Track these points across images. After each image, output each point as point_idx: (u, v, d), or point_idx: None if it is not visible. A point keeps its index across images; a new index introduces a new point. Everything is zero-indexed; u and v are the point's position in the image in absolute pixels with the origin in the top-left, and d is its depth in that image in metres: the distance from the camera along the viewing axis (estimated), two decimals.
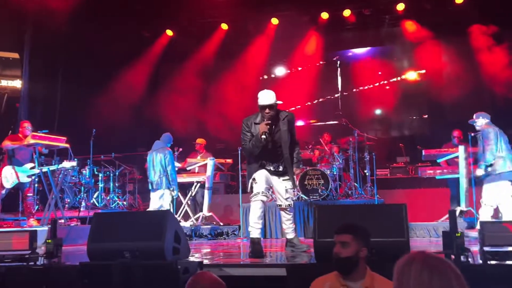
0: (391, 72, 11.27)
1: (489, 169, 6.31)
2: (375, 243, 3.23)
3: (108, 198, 9.55)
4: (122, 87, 10.38)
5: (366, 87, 11.19)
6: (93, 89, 9.85)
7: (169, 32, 11.44)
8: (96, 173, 9.53)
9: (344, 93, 11.18)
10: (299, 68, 11.58)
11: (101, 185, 9.61)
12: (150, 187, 7.56)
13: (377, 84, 11.18)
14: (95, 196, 9.50)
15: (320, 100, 11.44)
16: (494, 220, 5.17)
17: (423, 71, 10.88)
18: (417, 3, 10.04)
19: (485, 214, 6.16)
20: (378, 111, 11.57)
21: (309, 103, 11.39)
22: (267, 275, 3.85)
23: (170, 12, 10.29)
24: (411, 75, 11.15)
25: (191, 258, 4.52)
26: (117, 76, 10.47)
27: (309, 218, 7.50)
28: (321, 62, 11.44)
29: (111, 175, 9.65)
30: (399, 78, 11.19)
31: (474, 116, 6.62)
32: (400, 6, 10.18)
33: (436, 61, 10.39)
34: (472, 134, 6.99)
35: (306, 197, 7.96)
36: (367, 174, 8.78)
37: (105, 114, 9.68)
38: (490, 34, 9.39)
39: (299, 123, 11.19)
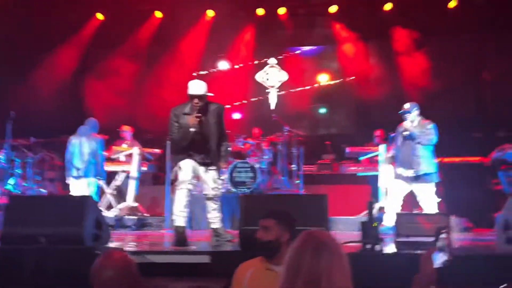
0: (321, 72, 11.56)
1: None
2: (297, 232, 3.32)
3: (25, 184, 9.01)
4: (47, 72, 9.85)
5: (299, 89, 11.40)
6: (13, 73, 9.27)
7: (99, 16, 10.99)
8: (13, 158, 8.95)
9: (279, 94, 11.31)
10: (236, 66, 11.57)
11: (18, 171, 9.04)
12: (73, 174, 7.25)
13: (309, 86, 11.42)
14: (11, 182, 8.92)
15: (254, 99, 11.50)
16: (407, 212, 5.52)
17: (353, 77, 11.26)
18: (350, 6, 10.39)
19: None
20: (307, 110, 11.84)
21: (245, 101, 11.42)
22: (191, 262, 3.84)
23: None
24: (340, 76, 11.50)
25: (113, 246, 4.40)
26: (41, 61, 9.91)
27: (236, 210, 7.53)
28: (256, 62, 11.50)
29: (30, 161, 9.11)
30: (327, 80, 11.50)
31: (407, 105, 6.49)
32: (333, 8, 10.50)
33: (363, 64, 10.82)
34: (392, 135, 7.37)
35: (234, 190, 8.00)
36: (294, 169, 8.99)
37: (26, 98, 9.16)
38: (411, 38, 9.98)
39: (236, 116, 11.23)
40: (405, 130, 6.28)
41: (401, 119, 6.58)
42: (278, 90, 11.26)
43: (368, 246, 3.72)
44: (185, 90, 5.19)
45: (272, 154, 8.90)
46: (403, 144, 6.34)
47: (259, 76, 11.34)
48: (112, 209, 8.05)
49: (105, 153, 8.22)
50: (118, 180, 8.32)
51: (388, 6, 10.16)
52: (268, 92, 11.26)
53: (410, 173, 6.18)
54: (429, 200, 6.17)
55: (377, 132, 8.16)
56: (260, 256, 2.90)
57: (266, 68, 11.35)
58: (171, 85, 10.16)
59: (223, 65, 11.61)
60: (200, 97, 4.94)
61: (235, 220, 7.51)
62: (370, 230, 3.75)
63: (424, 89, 9.83)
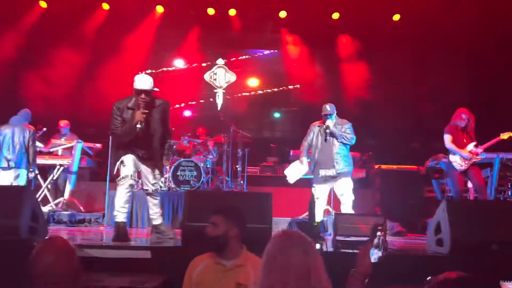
0: (269, 77, 11.68)
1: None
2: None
3: None
4: None
5: (244, 93, 11.47)
6: None
7: (42, 4, 10.52)
8: None
9: (227, 97, 11.32)
10: (184, 66, 11.46)
11: None
12: (2, 165, 6.90)
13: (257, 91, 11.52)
14: None
15: (202, 101, 11.44)
16: (344, 213, 5.67)
17: (297, 85, 11.47)
18: (298, 13, 10.58)
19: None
20: (254, 112, 11.93)
21: (193, 102, 11.33)
22: (131, 257, 3.76)
23: None
24: (284, 82, 11.67)
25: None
26: None
27: (178, 209, 7.48)
28: (203, 64, 11.45)
29: None
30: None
31: (328, 107, 6.44)
32: (282, 14, 10.67)
33: (308, 69, 11.05)
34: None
35: (177, 188, 7.93)
36: (239, 169, 9.04)
37: None
38: (355, 49, 10.37)
39: (187, 113, 11.13)
40: (328, 128, 6.28)
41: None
42: (224, 91, 11.30)
43: None
44: (128, 86, 5.09)
45: (217, 154, 8.90)
46: (322, 144, 6.36)
47: (208, 76, 11.32)
48: (48, 205, 7.74)
49: (41, 145, 7.91)
50: (56, 174, 8.01)
51: (335, 15, 10.46)
52: (216, 93, 11.28)
53: (332, 172, 6.22)
54: (349, 196, 6.24)
55: None
56: (209, 251, 2.93)
57: (214, 68, 11.36)
58: (115, 80, 9.90)
59: (178, 63, 11.48)
60: (146, 92, 4.85)
61: (176, 218, 7.46)
62: (311, 229, 3.85)
63: (364, 98, 10.25)
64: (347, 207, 6.15)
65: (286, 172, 7.07)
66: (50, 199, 7.86)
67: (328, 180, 6.31)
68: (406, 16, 10.13)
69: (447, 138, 6.74)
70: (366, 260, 2.32)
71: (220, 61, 11.44)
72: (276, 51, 11.65)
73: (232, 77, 11.38)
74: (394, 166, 8.91)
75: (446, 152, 7.04)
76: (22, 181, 6.89)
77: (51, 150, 8.25)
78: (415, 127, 10.86)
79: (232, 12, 10.78)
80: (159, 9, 10.74)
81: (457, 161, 6.66)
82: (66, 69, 10.18)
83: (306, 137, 6.61)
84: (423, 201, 8.31)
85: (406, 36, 10.09)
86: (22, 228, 3.50)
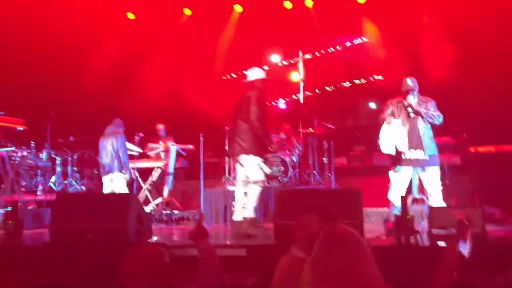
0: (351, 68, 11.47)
1: None
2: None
3: (65, 182, 9.39)
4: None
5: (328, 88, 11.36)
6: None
7: (130, 16, 11.20)
8: (54, 156, 9.34)
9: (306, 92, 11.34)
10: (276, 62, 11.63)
11: (58, 169, 9.43)
12: (101, 171, 7.53)
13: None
14: (52, 180, 9.32)
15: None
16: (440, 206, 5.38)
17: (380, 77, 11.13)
18: None
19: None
20: (337, 102, 11.81)
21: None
22: (227, 255, 3.97)
23: None
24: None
25: (155, 240, 4.59)
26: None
27: (268, 203, 7.67)
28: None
29: (69, 158, 9.48)
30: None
31: (409, 82, 5.75)
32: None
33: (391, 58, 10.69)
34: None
35: (266, 184, 8.12)
36: (325, 162, 9.04)
37: (65, 97, 9.55)
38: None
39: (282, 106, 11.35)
40: (410, 105, 5.62)
41: None
42: (304, 83, 11.30)
43: (403, 239, 3.78)
44: (222, 88, 5.36)
45: (302, 147, 8.96)
46: (406, 122, 5.69)
47: (291, 69, 11.41)
48: (149, 205, 8.31)
49: (140, 149, 8.50)
50: (154, 176, 8.57)
51: None
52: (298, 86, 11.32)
53: (420, 154, 5.57)
54: (438, 186, 5.63)
55: None
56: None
57: (296, 60, 11.39)
58: (206, 84, 10.34)
59: (274, 58, 11.71)
60: None
61: (267, 214, 7.67)
62: (404, 223, 3.80)
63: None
64: (436, 199, 5.57)
65: (382, 148, 5.94)
66: (151, 199, 8.43)
67: (414, 163, 5.62)
68: None
69: None
70: (454, 254, 2.27)
71: (300, 53, 11.44)
72: (358, 40, 11.36)
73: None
74: (492, 148, 8.40)
75: None
76: (117, 184, 7.43)
77: (149, 153, 8.85)
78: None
79: (309, 3, 10.78)
80: (238, 8, 11.01)
81: None
82: (157, 75, 10.80)
83: (382, 115, 5.90)
84: None
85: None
86: (130, 231, 3.85)
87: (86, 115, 9.93)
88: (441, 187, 5.66)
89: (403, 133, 5.63)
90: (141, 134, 8.62)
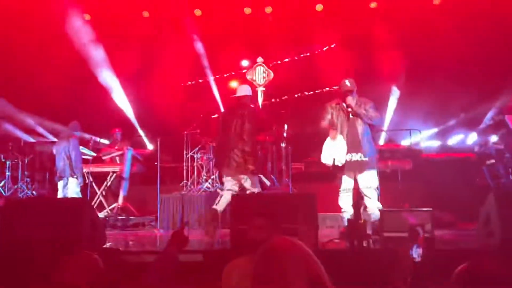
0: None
1: None
2: (288, 229, 3.47)
3: (16, 186, 9.04)
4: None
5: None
6: None
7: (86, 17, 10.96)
8: (3, 160, 8.98)
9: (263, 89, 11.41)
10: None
11: (8, 173, 9.07)
12: (56, 175, 7.35)
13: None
14: (1, 184, 8.95)
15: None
16: (391, 209, 5.49)
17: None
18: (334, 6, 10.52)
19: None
20: (296, 108, 11.94)
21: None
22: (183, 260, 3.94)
23: None
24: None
25: (109, 246, 4.49)
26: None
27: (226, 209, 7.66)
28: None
29: (20, 163, 9.14)
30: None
31: (348, 83, 5.74)
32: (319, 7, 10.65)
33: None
34: (379, 132, 7.58)
35: (223, 188, 8.12)
36: (283, 167, 9.12)
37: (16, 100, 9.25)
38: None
39: None
40: (349, 106, 5.52)
41: None
42: (264, 89, 11.37)
43: (355, 242, 3.87)
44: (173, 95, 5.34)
45: (261, 153, 8.99)
46: (345, 125, 5.62)
47: (249, 75, 11.44)
48: (103, 210, 8.13)
49: (93, 154, 8.31)
50: (109, 181, 8.39)
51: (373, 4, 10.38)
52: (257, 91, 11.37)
53: (359, 156, 5.49)
54: (374, 189, 5.51)
55: None
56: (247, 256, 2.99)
57: (255, 66, 11.45)
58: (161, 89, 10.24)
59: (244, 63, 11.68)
60: None
61: (225, 219, 7.66)
62: (357, 227, 3.89)
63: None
64: (372, 202, 5.43)
65: (323, 158, 6.01)
66: (105, 204, 8.25)
67: (354, 166, 5.55)
68: None
69: (511, 120, 6.51)
70: (407, 259, 2.34)
71: (260, 59, 11.50)
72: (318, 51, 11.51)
73: (270, 74, 11.42)
74: (443, 155, 8.74)
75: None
76: (71, 189, 7.26)
77: (104, 158, 8.66)
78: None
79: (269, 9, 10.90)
80: (197, 12, 10.98)
81: None
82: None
83: (321, 120, 5.85)
84: (475, 189, 8.10)
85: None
86: (82, 238, 3.75)
87: (39, 118, 9.64)
88: (378, 190, 5.58)
89: (343, 146, 5.57)
90: (96, 138, 8.43)
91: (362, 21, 10.44)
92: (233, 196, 4.24)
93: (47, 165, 9.60)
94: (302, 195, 4.73)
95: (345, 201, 5.58)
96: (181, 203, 7.89)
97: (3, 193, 8.85)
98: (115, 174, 8.39)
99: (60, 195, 7.24)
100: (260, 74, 11.39)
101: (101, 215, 7.79)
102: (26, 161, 9.27)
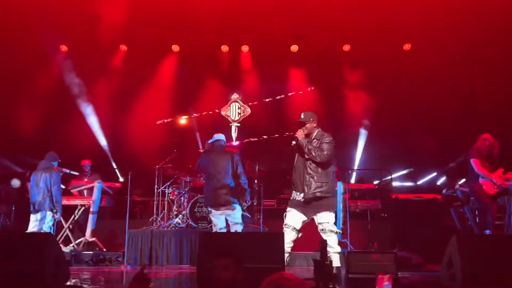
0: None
1: None
2: (254, 269, 3.47)
3: None
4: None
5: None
6: None
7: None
8: None
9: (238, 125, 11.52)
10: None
11: None
12: (31, 208, 7.13)
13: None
14: None
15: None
16: (357, 250, 5.52)
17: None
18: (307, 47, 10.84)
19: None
20: (269, 146, 12.07)
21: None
22: None
23: None
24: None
25: (70, 283, 4.39)
26: None
27: (196, 246, 7.60)
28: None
29: None
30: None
31: (302, 115, 5.40)
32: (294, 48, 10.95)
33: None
34: (349, 171, 7.72)
35: (195, 225, 8.06)
36: (255, 203, 9.14)
37: None
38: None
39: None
40: (296, 139, 5.18)
41: None
42: (239, 125, 11.49)
43: (322, 284, 3.88)
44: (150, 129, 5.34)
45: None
46: (297, 160, 5.30)
47: (223, 111, 11.56)
48: (69, 244, 7.94)
49: (63, 186, 8.16)
50: (77, 214, 8.23)
51: (346, 47, 10.74)
52: (231, 127, 11.48)
53: (300, 196, 5.11)
54: (329, 232, 5.01)
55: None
56: None
57: (229, 103, 11.59)
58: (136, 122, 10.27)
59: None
60: None
61: (194, 255, 7.59)
62: (323, 268, 3.92)
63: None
64: (330, 247, 4.83)
65: None
66: (72, 239, 8.06)
67: (299, 205, 5.12)
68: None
69: (476, 163, 6.71)
70: None
71: (235, 96, 11.66)
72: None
73: (246, 110, 11.58)
74: (412, 195, 8.91)
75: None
76: (47, 222, 7.08)
77: (73, 190, 8.51)
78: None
79: (245, 48, 11.16)
80: (175, 48, 11.15)
81: (487, 186, 6.66)
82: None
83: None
84: (442, 230, 8.25)
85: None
86: (46, 274, 3.66)
87: (8, 150, 9.49)
88: (334, 235, 5.04)
89: (293, 173, 5.29)
90: (66, 170, 8.29)
91: (335, 62, 10.76)
92: (201, 234, 4.22)
93: (13, 198, 9.37)
94: (269, 234, 4.75)
95: (286, 237, 4.99)
96: (150, 238, 7.79)
97: None
98: (83, 208, 8.23)
99: (32, 228, 7.01)
100: (235, 110, 11.54)
101: (66, 249, 7.60)
102: None
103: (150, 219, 8.75)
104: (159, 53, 11.07)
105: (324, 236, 5.01)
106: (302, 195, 5.07)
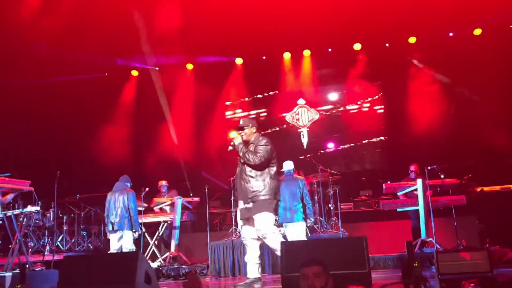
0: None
1: None
2: (338, 275, 3.42)
3: (73, 241, 9.39)
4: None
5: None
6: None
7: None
8: (61, 215, 9.38)
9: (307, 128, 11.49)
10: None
11: (65, 227, 9.45)
12: (110, 228, 7.50)
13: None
14: (59, 239, 9.32)
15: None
16: (448, 249, 5.30)
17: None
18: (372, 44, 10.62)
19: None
20: (341, 146, 11.90)
21: None
22: None
23: None
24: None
25: None
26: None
27: (275, 254, 7.62)
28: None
29: (76, 217, 9.52)
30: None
31: (241, 121, 5.41)
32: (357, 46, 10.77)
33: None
34: (429, 168, 7.40)
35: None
36: (331, 208, 9.02)
37: (68, 156, 9.78)
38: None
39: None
40: (233, 144, 5.19)
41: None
42: (308, 129, 11.44)
43: (411, 286, 3.74)
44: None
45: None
46: (239, 167, 5.30)
47: (289, 117, 11.58)
48: (156, 260, 8.26)
49: (145, 204, 8.53)
50: (161, 231, 8.56)
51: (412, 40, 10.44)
52: (300, 132, 11.46)
53: (248, 204, 5.08)
54: (269, 241, 5.01)
55: (412, 167, 8.15)
56: None
57: (296, 108, 11.59)
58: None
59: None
60: None
61: (276, 264, 7.61)
62: (412, 270, 3.77)
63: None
64: (270, 241, 4.98)
65: None
66: (158, 254, 8.39)
67: (245, 213, 5.07)
68: None
69: None
70: None
71: (301, 101, 11.65)
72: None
73: (315, 115, 11.52)
74: (498, 187, 8.38)
75: None
76: (126, 242, 7.40)
77: (155, 208, 8.87)
78: None
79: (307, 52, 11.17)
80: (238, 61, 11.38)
81: None
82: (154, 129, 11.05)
83: None
84: None
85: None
86: None
87: (90, 173, 10.09)
88: (275, 236, 5.00)
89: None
90: (147, 189, 8.67)
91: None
92: (282, 242, 4.22)
93: (101, 218, 9.95)
94: (351, 239, 4.65)
95: (247, 250, 5.17)
96: (232, 249, 7.92)
97: (62, 247, 9.19)
98: (166, 223, 8.55)
99: (114, 248, 7.39)
100: (304, 115, 11.53)
101: (154, 265, 7.93)
102: (82, 215, 9.64)
103: (229, 230, 8.90)
104: (224, 70, 11.36)
105: (265, 240, 5.00)
106: (242, 202, 5.08)
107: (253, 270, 5.15)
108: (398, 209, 8.02)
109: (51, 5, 8.13)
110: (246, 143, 5.20)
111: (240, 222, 5.26)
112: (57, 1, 8.22)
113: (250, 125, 5.27)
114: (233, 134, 5.20)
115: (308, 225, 7.70)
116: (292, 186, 7.45)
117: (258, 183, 5.01)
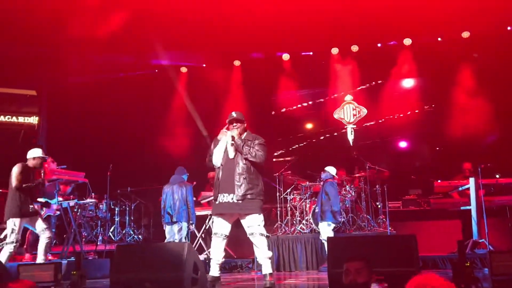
0: (404, 105, 11.33)
1: None
2: (387, 273, 3.38)
3: (124, 232, 9.72)
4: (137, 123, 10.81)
5: (380, 120, 11.24)
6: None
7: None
8: (112, 207, 9.72)
9: (354, 127, 11.31)
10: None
11: (117, 219, 9.79)
12: (167, 220, 7.70)
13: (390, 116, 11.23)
14: (111, 230, 9.67)
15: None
16: (501, 250, 5.09)
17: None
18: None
19: None
20: (389, 144, 11.65)
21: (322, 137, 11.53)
22: None
23: None
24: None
25: None
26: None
27: (322, 250, 7.63)
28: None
29: (127, 209, 9.84)
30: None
31: (234, 113, 5.18)
32: (407, 41, 10.51)
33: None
34: (482, 166, 7.13)
35: (319, 229, 8.07)
36: (379, 206, 8.87)
37: (121, 148, 10.12)
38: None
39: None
40: (233, 138, 5.00)
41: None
42: (355, 126, 11.26)
43: (462, 286, 3.64)
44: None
45: (355, 192, 8.85)
46: (226, 160, 5.08)
47: (336, 114, 11.45)
48: (203, 253, 8.41)
49: (193, 198, 8.71)
50: (208, 224, 8.71)
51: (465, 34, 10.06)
52: (346, 129, 11.30)
53: (231, 197, 4.92)
54: (258, 235, 4.93)
55: (466, 165, 7.90)
56: None
57: (342, 105, 11.43)
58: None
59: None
60: None
61: (320, 261, 7.61)
62: (463, 270, 3.67)
63: None
64: (261, 251, 4.92)
65: None
66: (205, 247, 8.54)
67: (227, 208, 4.93)
68: None
69: None
70: None
71: (348, 97, 11.48)
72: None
73: (362, 111, 11.33)
74: None
75: None
76: (184, 233, 7.63)
77: (202, 202, 9.04)
78: None
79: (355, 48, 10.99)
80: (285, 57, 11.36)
81: None
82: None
83: (208, 152, 5.23)
84: None
85: None
86: (185, 281, 3.94)
87: (141, 166, 10.39)
88: (264, 239, 4.95)
89: (220, 174, 5.05)
90: (194, 183, 8.85)
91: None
92: (329, 238, 4.21)
93: (150, 211, 10.25)
94: (400, 237, 4.57)
95: (214, 246, 5.09)
96: (277, 244, 7.96)
97: (113, 238, 9.54)
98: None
99: (170, 238, 7.61)
100: (350, 112, 11.37)
101: (201, 257, 8.07)
102: (132, 207, 9.96)
103: (274, 226, 8.94)
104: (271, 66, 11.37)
105: (253, 240, 4.91)
106: (231, 196, 4.87)
107: (215, 268, 5.07)
108: (450, 209, 7.81)
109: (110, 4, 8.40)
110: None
111: (217, 216, 5.10)
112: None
113: (243, 119, 5.17)
114: (233, 131, 4.99)
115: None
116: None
117: (254, 182, 4.95)
